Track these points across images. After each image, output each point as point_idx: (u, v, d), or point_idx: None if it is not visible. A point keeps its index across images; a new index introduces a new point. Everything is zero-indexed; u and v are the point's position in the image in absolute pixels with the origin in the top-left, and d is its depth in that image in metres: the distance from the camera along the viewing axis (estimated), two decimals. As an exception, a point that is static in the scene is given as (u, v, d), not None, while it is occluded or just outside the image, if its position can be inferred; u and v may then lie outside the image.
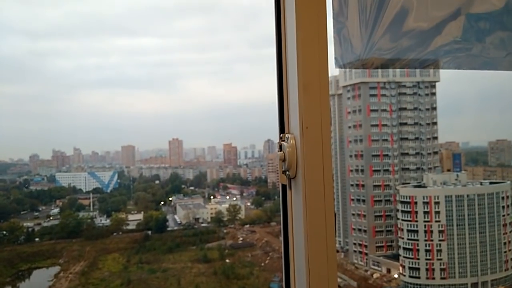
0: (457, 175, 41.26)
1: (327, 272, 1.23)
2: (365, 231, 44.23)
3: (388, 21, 1.40)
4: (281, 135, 1.33)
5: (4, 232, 46.13)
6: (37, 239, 47.06)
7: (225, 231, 51.75)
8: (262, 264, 45.36)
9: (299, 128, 1.23)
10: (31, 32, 76.65)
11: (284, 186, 1.36)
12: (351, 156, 46.02)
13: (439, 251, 37.68)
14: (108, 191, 59.31)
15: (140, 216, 52.28)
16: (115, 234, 49.03)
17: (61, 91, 79.11)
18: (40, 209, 53.59)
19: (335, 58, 1.38)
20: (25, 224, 48.48)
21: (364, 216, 44.43)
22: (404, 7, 1.42)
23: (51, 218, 51.08)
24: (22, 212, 51.47)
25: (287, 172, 1.28)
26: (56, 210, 52.98)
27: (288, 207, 1.34)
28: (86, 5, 79.19)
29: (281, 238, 1.38)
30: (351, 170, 45.59)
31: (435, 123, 46.33)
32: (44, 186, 58.89)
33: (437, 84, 46.56)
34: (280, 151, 1.30)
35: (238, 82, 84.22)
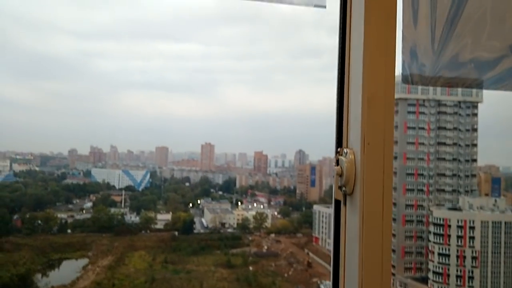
0: (496, 200, 39.59)
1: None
2: (394, 251, 43.03)
3: (459, 41, 1.32)
4: (339, 149, 1.27)
5: (39, 222, 47.95)
6: (69, 230, 48.65)
7: (250, 238, 51.64)
8: (286, 274, 44.88)
9: (360, 144, 1.18)
10: (80, 33, 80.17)
11: (337, 202, 1.30)
12: (384, 172, 45.00)
13: (471, 278, 36.20)
14: (140, 189, 60.61)
15: (168, 216, 53.07)
16: (143, 232, 49.98)
17: (104, 90, 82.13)
18: (74, 202, 55.42)
19: (402, 72, 1.31)
20: (59, 215, 50.25)
21: (394, 235, 43.27)
22: (478, 26, 1.34)
23: (84, 211, 52.69)
24: (57, 204, 53.40)
25: (343, 188, 1.23)
26: (89, 204, 54.64)
27: (341, 225, 1.28)
28: (134, 11, 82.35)
29: (331, 257, 1.32)
30: (383, 187, 44.56)
31: (475, 145, 44.69)
32: (80, 180, 60.93)
33: (480, 105, 45.03)
34: (337, 165, 1.25)
35: (274, 92, 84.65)
